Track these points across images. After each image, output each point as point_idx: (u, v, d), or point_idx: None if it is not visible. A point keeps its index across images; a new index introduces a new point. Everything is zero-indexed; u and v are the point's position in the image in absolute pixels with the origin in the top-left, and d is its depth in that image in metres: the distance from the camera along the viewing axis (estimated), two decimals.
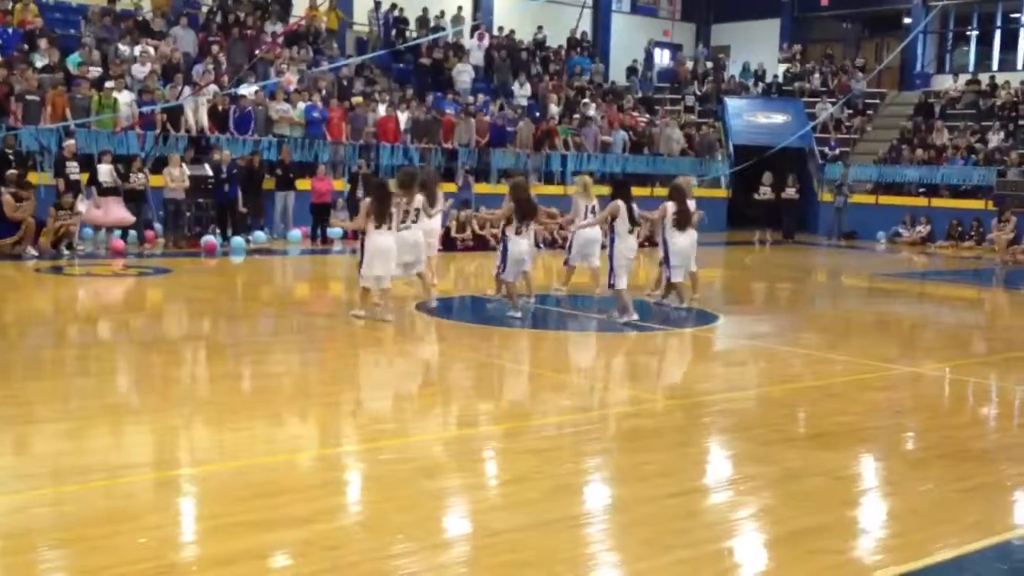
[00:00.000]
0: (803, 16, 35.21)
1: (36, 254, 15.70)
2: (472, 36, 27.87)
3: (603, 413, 7.72)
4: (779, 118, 29.46)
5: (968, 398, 8.85)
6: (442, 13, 27.64)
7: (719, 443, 6.93)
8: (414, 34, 26.69)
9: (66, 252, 16.20)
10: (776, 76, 32.01)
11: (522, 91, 26.54)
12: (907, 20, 32.56)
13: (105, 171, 17.29)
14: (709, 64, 32.60)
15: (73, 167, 16.93)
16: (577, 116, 25.90)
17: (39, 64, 19.31)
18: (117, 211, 17.45)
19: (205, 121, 20.03)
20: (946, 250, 24.71)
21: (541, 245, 17.10)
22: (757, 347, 10.81)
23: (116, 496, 5.28)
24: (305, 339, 10.53)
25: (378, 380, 8.95)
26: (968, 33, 33.47)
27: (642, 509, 5.32)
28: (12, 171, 16.23)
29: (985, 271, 21.12)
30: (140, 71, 20.26)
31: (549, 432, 6.94)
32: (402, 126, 22.37)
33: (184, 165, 18.23)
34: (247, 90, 20.74)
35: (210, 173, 18.65)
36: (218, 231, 18.68)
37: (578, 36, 30.67)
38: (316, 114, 21.22)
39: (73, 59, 19.90)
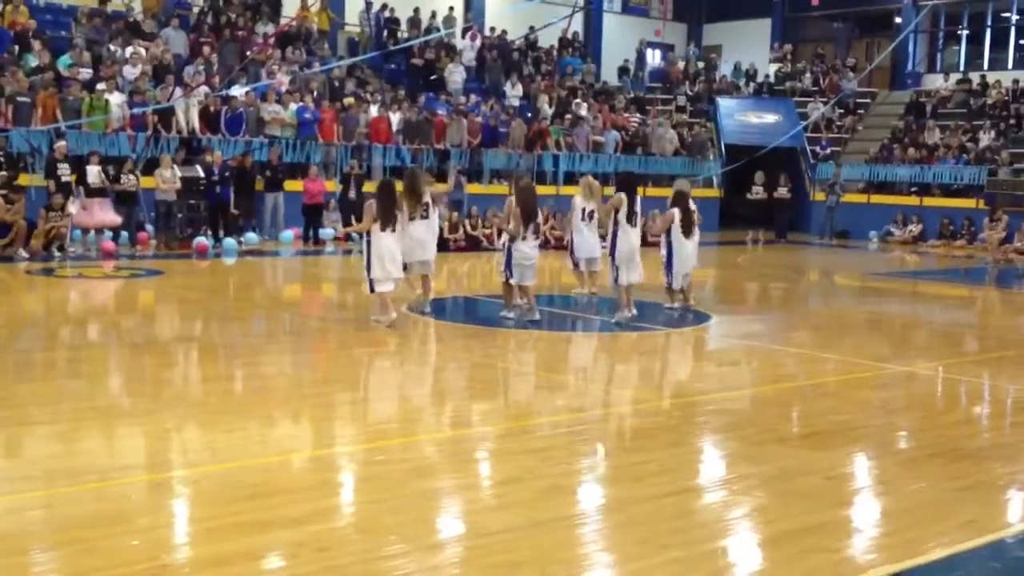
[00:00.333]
0: (794, 16, 35.30)
1: (27, 256, 15.66)
2: (464, 36, 27.87)
3: (597, 413, 7.71)
4: (770, 118, 29.51)
5: (961, 397, 8.87)
6: (433, 14, 27.63)
7: (713, 443, 6.94)
8: (405, 35, 26.68)
9: (57, 254, 16.16)
10: (767, 76, 32.05)
11: (514, 91, 26.54)
12: (898, 20, 32.66)
13: (93, 173, 17.23)
14: (700, 64, 32.65)
15: (64, 169, 16.87)
16: (569, 116, 25.92)
17: (31, 65, 19.26)
18: (102, 213, 17.33)
19: (196, 122, 19.99)
20: (938, 249, 24.78)
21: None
22: (750, 347, 10.82)
23: (109, 498, 5.26)
24: (298, 340, 10.52)
25: (371, 381, 8.93)
26: (959, 32, 33.57)
27: (636, 509, 5.32)
28: (2, 173, 16.19)
29: (976, 270, 21.17)
30: (131, 72, 20.21)
31: (543, 432, 6.94)
32: (394, 127, 22.37)
33: (175, 166, 18.18)
34: (238, 91, 20.69)
35: (201, 174, 18.63)
36: (210, 232, 18.65)
37: (569, 36, 30.70)
38: (308, 115, 21.21)
39: (64, 60, 19.85)
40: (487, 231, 20.52)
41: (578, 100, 26.94)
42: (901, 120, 29.78)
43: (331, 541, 4.72)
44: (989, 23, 32.63)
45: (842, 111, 30.77)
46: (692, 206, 12.38)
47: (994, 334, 12.96)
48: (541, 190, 22.31)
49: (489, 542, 4.79)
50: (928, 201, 26.46)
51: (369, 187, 18.33)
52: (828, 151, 28.85)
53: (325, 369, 9.19)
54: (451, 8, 28.01)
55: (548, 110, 25.97)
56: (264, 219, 20.06)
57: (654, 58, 34.12)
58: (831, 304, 15.63)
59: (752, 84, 31.80)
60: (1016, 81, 28.31)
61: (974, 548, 4.92)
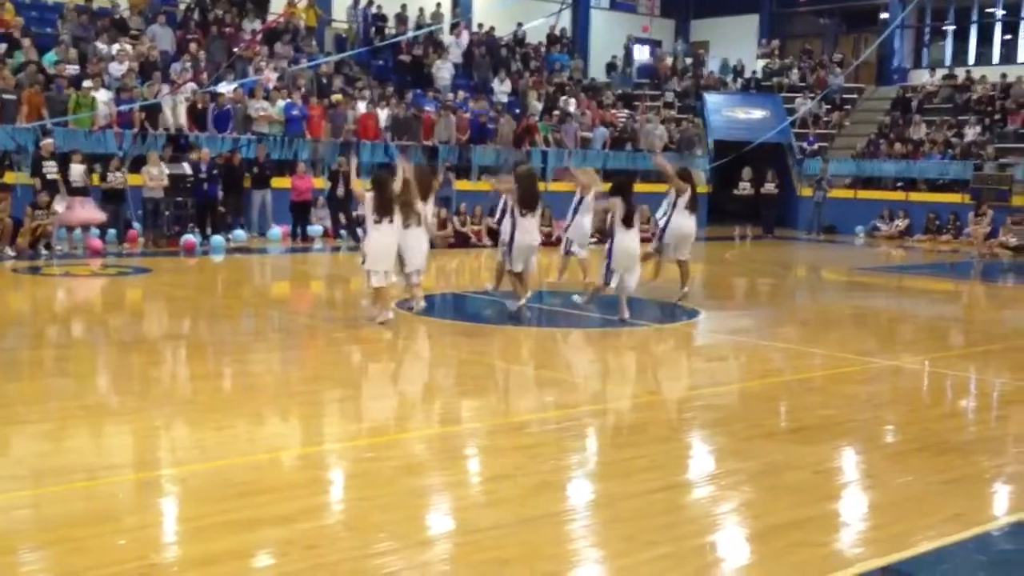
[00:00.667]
0: (781, 12, 35.40)
1: (13, 254, 15.60)
2: (452, 33, 27.85)
3: (586, 409, 7.72)
4: (758, 113, 29.57)
5: (947, 391, 8.92)
6: (421, 10, 27.59)
7: (701, 438, 6.96)
8: (393, 31, 26.64)
9: (44, 252, 16.09)
10: (755, 72, 32.12)
11: (502, 88, 26.54)
12: (884, 15, 32.73)
13: (77, 171, 17.09)
14: (688, 60, 32.69)
15: (50, 166, 16.77)
16: (557, 112, 25.93)
17: (18, 62, 19.17)
18: (83, 211, 17.15)
19: (184, 119, 19.93)
20: (924, 244, 24.90)
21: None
22: (738, 342, 10.85)
23: (97, 497, 5.25)
24: (286, 338, 10.50)
25: (360, 378, 8.92)
26: (944, 28, 33.66)
27: (625, 504, 5.34)
28: None
29: (962, 264, 21.27)
30: (118, 69, 20.13)
31: (532, 429, 6.95)
32: (382, 123, 22.33)
33: (163, 164, 18.12)
34: (226, 88, 20.62)
35: (189, 172, 18.57)
36: (198, 230, 18.59)
37: (557, 32, 30.68)
38: (296, 112, 21.14)
39: (49, 57, 19.75)
40: (476, 227, 20.52)
41: (566, 96, 26.94)
42: (887, 115, 29.87)
43: (320, 539, 4.72)
44: (975, 19, 32.75)
45: (829, 107, 30.85)
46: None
47: (979, 328, 13.03)
48: None
49: (478, 539, 4.80)
50: (914, 196, 26.57)
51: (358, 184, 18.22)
52: (815, 147, 28.94)
53: (314, 366, 9.18)
54: (439, 4, 27.97)
55: (536, 106, 25.97)
56: (252, 216, 20.01)
57: (642, 54, 34.12)
58: (818, 299, 15.69)
59: (740, 80, 31.86)
60: (1003, 76, 28.42)
61: (961, 541, 4.95)
